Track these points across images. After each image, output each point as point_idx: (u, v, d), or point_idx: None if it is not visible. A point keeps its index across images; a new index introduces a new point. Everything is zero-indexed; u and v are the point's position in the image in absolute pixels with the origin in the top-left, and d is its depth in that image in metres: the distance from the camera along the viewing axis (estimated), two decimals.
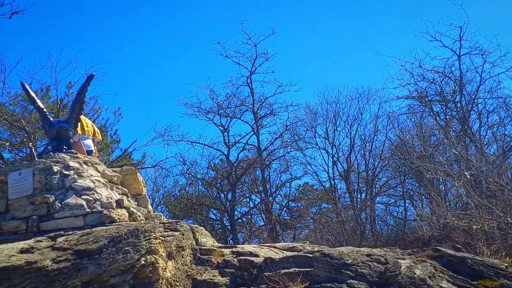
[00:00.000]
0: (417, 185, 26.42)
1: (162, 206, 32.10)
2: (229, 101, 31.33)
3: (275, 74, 38.74)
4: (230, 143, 31.25)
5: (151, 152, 53.10)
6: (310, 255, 10.05)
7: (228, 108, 31.34)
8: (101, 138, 14.83)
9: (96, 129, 14.07)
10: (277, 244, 13.57)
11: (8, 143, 22.12)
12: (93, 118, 25.73)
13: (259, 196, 31.62)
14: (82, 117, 13.00)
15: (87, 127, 13.16)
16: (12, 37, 48.06)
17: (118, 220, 9.97)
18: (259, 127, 31.02)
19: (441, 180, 22.69)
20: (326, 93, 40.88)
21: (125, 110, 43.31)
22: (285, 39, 53.49)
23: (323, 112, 30.15)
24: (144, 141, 36.34)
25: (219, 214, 31.54)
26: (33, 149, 21.08)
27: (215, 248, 11.12)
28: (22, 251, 8.10)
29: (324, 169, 29.60)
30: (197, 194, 32.20)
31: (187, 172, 31.38)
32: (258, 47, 31.02)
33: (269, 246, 12.43)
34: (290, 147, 30.86)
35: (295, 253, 11.33)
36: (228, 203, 30.28)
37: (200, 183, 32.42)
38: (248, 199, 32.88)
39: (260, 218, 32.01)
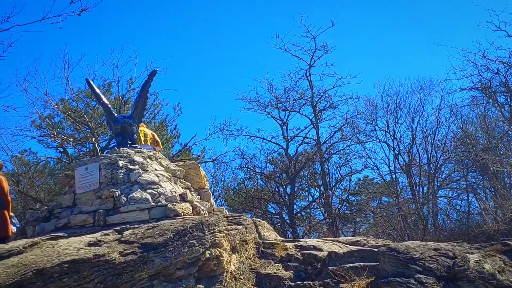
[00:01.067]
0: (481, 178, 25.68)
1: (221, 200, 32.21)
2: (288, 94, 30.95)
3: (334, 66, 38.30)
4: (289, 137, 30.97)
5: (210, 146, 54.05)
6: (376, 250, 9.93)
7: (287, 101, 30.98)
8: (161, 148, 14.79)
9: (157, 139, 14.06)
10: (340, 238, 13.47)
11: (72, 139, 22.67)
12: (153, 114, 26.13)
13: (318, 190, 31.40)
14: (141, 128, 13.13)
15: (144, 137, 13.27)
16: (75, 34, 49.27)
17: (182, 214, 10.06)
18: (318, 121, 30.60)
19: (506, 173, 22.03)
20: (387, 85, 39.83)
21: (185, 105, 43.88)
22: (345, 31, 52.93)
23: (383, 105, 29.38)
24: (203, 135, 36.92)
25: (278, 208, 31.39)
26: (96, 144, 21.55)
27: (278, 242, 11.11)
28: (90, 244, 8.26)
29: (385, 162, 28.98)
30: (256, 188, 32.13)
31: (246, 166, 31.29)
32: (317, 39, 30.35)
33: (332, 240, 12.33)
34: (350, 140, 30.31)
35: (360, 247, 11.22)
36: (287, 197, 30.15)
37: (259, 177, 32.27)
38: (307, 193, 32.68)
39: (320, 212, 31.77)
